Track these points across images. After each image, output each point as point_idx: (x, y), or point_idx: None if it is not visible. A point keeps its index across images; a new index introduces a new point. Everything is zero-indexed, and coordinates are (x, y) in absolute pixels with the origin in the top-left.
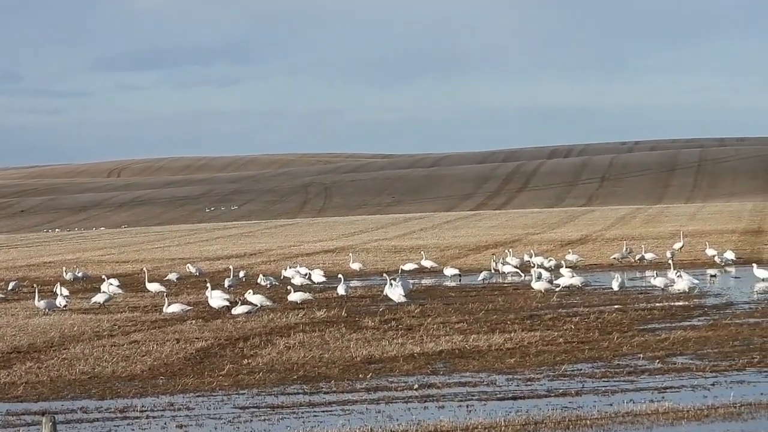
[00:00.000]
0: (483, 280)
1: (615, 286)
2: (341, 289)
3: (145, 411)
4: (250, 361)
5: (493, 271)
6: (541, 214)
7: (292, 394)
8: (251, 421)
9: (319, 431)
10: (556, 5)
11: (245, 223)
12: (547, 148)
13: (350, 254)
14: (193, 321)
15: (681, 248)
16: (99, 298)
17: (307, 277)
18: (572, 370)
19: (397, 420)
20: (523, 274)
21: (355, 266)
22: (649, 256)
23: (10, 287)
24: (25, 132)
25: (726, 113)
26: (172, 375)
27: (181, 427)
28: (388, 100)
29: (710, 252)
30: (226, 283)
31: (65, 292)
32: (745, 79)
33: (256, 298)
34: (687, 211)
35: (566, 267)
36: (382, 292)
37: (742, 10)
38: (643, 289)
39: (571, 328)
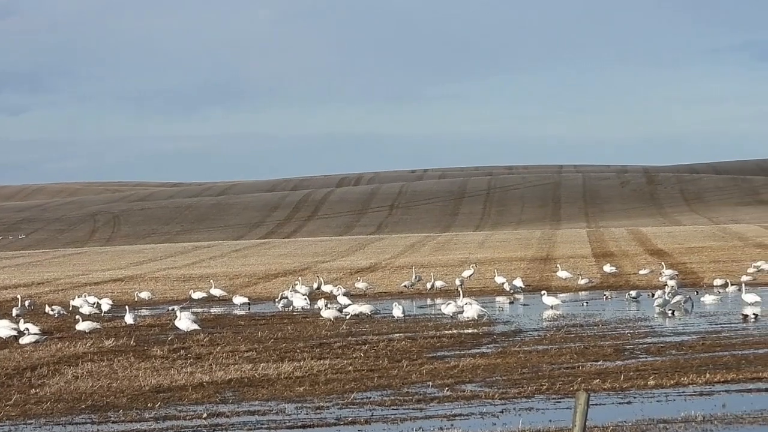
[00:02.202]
0: (283, 307)
1: (397, 313)
2: (129, 318)
3: None
4: (37, 390)
5: (288, 298)
6: (331, 242)
7: (80, 423)
8: None
9: None
10: (344, 34)
11: (33, 252)
12: (336, 176)
13: (139, 283)
14: None
15: (471, 276)
16: None
17: (95, 306)
18: (361, 398)
19: None
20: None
21: (144, 295)
22: (438, 283)
23: None
24: None
25: (513, 142)
26: None
27: None
28: (177, 129)
29: (499, 279)
30: (14, 312)
31: None
32: (532, 108)
33: (24, 327)
34: (476, 238)
35: (342, 295)
36: (171, 321)
37: (528, 42)
38: (432, 316)
39: (361, 356)
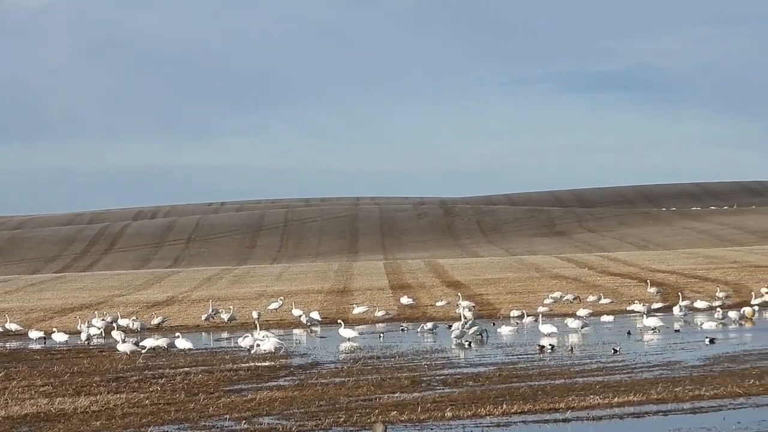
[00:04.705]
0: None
1: (184, 345)
2: None
3: None
4: None
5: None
6: (127, 276)
7: None
8: None
9: None
10: (140, 68)
11: None
12: (133, 209)
13: None
14: None
15: (279, 308)
16: None
17: None
18: None
19: None
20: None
21: None
22: (236, 316)
23: None
24: None
25: (310, 174)
26: None
27: None
28: None
29: (296, 312)
30: None
31: None
32: (328, 141)
33: None
34: (273, 271)
35: (118, 330)
36: None
37: (323, 75)
38: (229, 349)
39: (158, 389)
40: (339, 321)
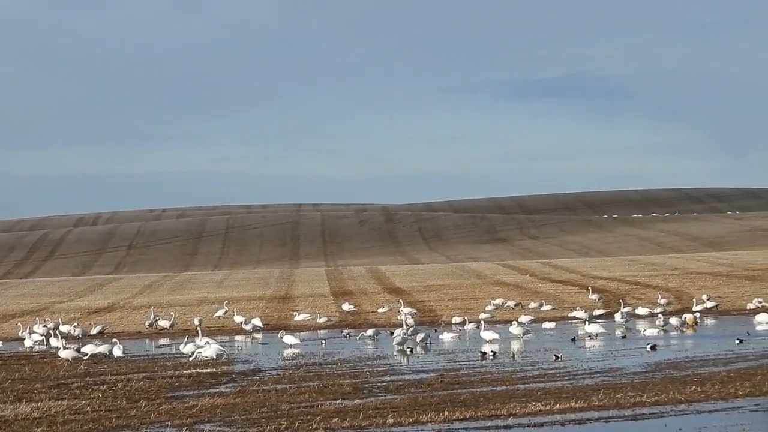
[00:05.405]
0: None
1: (117, 353)
2: None
3: None
4: None
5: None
6: (68, 282)
7: None
8: None
9: None
10: (79, 74)
11: None
12: (74, 216)
13: None
14: None
15: (225, 314)
16: None
17: None
18: None
19: None
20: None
21: None
22: (178, 323)
23: None
24: None
25: (252, 181)
26: None
27: None
28: None
29: (238, 319)
30: None
31: None
32: (269, 147)
33: None
34: (215, 278)
35: (59, 336)
36: None
37: (264, 82)
38: (171, 356)
39: (99, 396)
40: (282, 332)
